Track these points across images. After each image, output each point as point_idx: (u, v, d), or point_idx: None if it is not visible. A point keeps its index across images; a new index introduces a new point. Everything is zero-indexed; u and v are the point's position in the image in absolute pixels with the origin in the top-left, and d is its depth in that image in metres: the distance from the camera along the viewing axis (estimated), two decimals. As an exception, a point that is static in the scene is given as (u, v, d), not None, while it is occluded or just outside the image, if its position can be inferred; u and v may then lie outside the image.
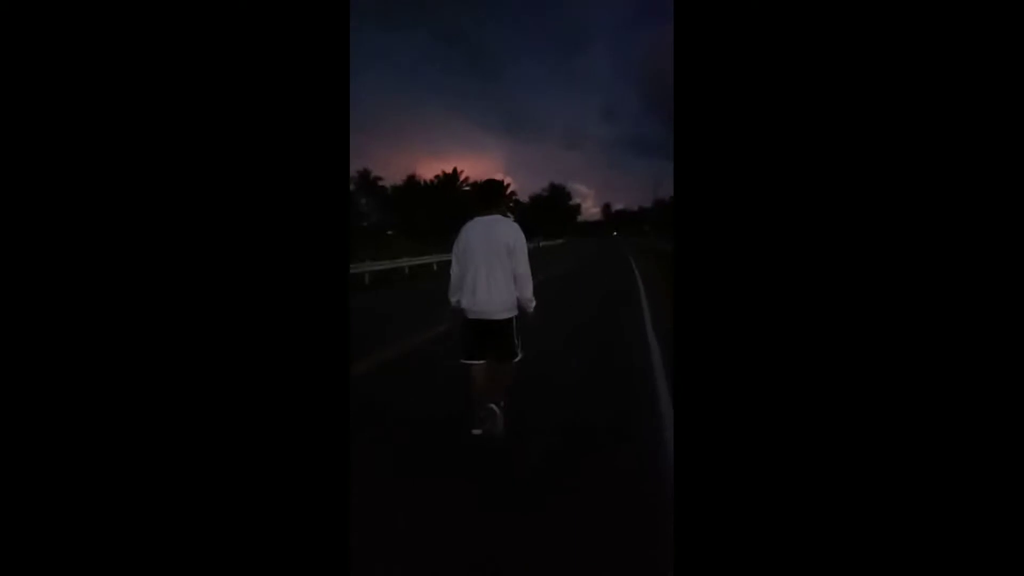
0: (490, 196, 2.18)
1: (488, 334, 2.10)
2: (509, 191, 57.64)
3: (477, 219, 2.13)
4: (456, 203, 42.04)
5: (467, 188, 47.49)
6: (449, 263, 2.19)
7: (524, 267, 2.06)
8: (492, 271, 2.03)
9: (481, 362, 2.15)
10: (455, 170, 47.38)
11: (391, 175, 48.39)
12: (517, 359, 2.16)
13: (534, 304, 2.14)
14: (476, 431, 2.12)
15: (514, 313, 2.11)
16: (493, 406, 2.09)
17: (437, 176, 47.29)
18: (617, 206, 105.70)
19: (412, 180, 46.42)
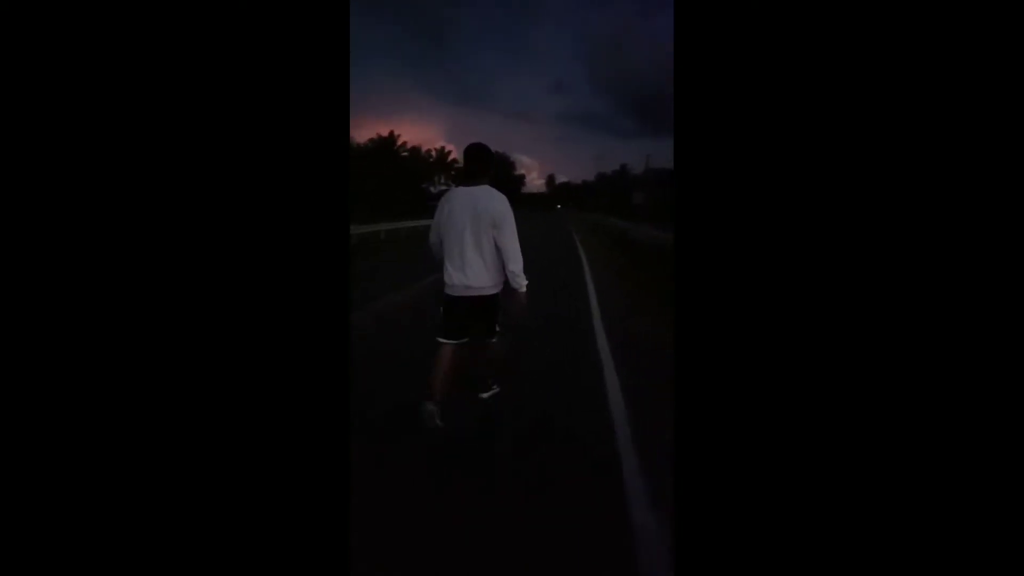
0: (477, 163, 1.97)
1: (471, 312, 1.99)
2: (450, 159, 55.71)
3: (460, 188, 1.97)
4: (393, 170, 39.61)
5: (405, 154, 44.97)
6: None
7: (513, 241, 1.92)
8: (479, 245, 1.90)
9: (453, 343, 2.02)
10: (392, 133, 44.47)
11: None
12: (495, 336, 2.08)
13: (525, 284, 1.98)
14: (437, 422, 1.96)
15: (499, 289, 2.00)
16: (431, 406, 1.96)
17: (371, 139, 43.92)
18: (561, 178, 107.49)
19: (343, 142, 42.92)
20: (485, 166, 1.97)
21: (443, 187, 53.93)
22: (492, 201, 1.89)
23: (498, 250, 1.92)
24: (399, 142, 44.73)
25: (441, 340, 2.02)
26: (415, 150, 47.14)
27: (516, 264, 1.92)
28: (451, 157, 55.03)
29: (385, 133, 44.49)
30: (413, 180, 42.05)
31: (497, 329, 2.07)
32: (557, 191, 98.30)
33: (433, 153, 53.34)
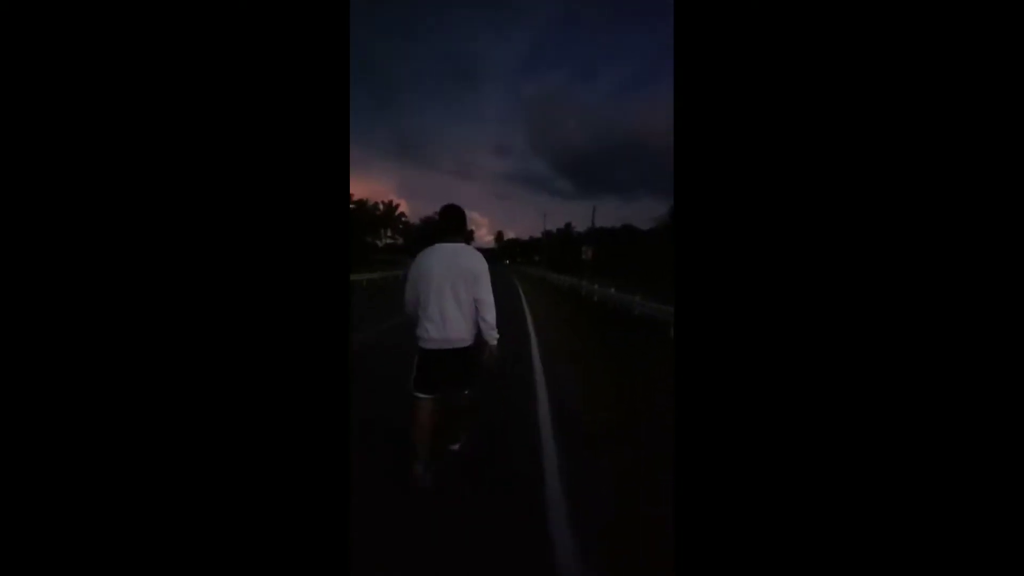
0: (452, 223, 2.13)
1: (445, 364, 2.08)
2: (398, 212, 56.27)
3: (438, 245, 2.09)
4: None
5: (352, 206, 45.10)
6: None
7: (490, 295, 2.08)
8: (457, 299, 2.04)
9: (431, 397, 2.10)
10: (337, 185, 44.70)
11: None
12: (467, 392, 2.17)
13: (497, 337, 2.11)
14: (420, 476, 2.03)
15: (473, 341, 2.11)
16: (419, 467, 2.03)
17: (315, 190, 43.86)
18: (510, 234, 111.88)
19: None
20: (461, 225, 2.15)
21: (389, 240, 53.70)
22: (472, 258, 2.06)
23: (473, 305, 2.06)
24: (344, 194, 44.89)
25: (418, 395, 2.08)
26: (361, 203, 47.33)
27: (491, 317, 2.07)
28: (399, 211, 55.63)
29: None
30: (358, 234, 41.85)
31: (471, 383, 2.15)
32: (506, 247, 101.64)
33: (381, 206, 53.70)
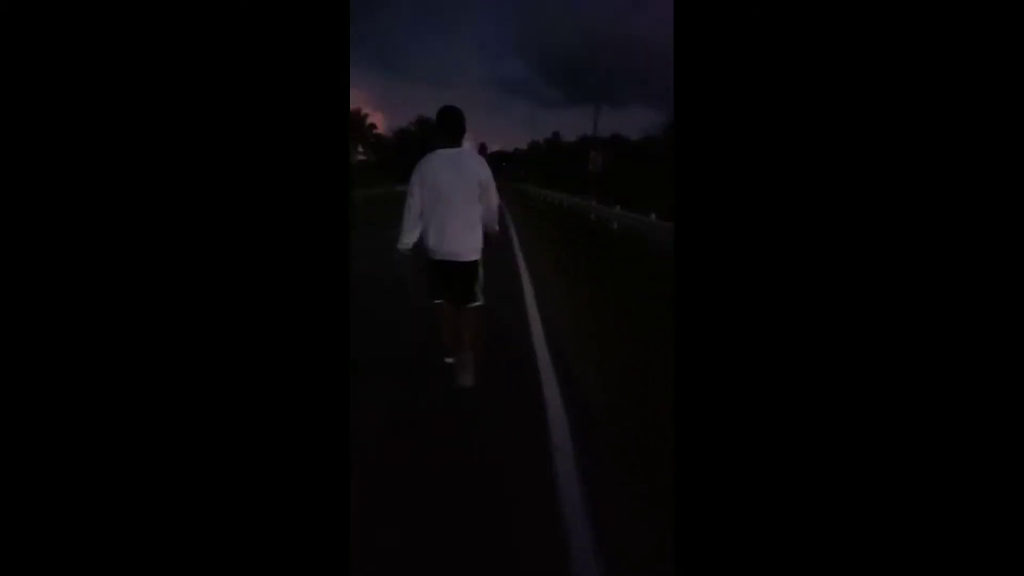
0: (453, 127, 2.10)
1: (452, 276, 2.14)
2: (368, 123, 52.40)
3: (439, 152, 2.05)
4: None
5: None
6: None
7: (496, 200, 2.15)
8: (465, 209, 2.03)
9: (443, 302, 2.24)
10: (295, 93, 40.55)
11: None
12: (478, 303, 2.21)
13: (496, 228, 2.27)
14: (462, 383, 2.22)
15: (479, 255, 2.16)
16: (466, 355, 2.20)
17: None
18: (494, 147, 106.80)
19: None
20: (460, 129, 2.10)
21: (361, 157, 50.72)
22: (477, 165, 2.06)
23: (478, 214, 2.11)
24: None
25: (433, 300, 2.25)
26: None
27: (494, 220, 2.22)
28: (368, 122, 51.70)
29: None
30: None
31: (479, 297, 2.21)
32: (491, 160, 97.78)
33: (347, 117, 49.66)
